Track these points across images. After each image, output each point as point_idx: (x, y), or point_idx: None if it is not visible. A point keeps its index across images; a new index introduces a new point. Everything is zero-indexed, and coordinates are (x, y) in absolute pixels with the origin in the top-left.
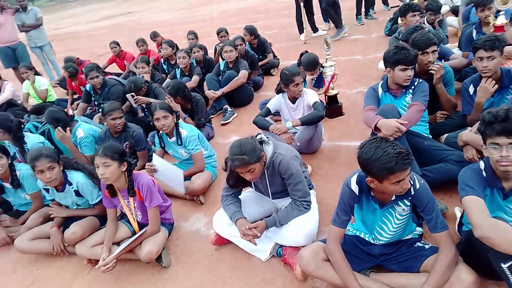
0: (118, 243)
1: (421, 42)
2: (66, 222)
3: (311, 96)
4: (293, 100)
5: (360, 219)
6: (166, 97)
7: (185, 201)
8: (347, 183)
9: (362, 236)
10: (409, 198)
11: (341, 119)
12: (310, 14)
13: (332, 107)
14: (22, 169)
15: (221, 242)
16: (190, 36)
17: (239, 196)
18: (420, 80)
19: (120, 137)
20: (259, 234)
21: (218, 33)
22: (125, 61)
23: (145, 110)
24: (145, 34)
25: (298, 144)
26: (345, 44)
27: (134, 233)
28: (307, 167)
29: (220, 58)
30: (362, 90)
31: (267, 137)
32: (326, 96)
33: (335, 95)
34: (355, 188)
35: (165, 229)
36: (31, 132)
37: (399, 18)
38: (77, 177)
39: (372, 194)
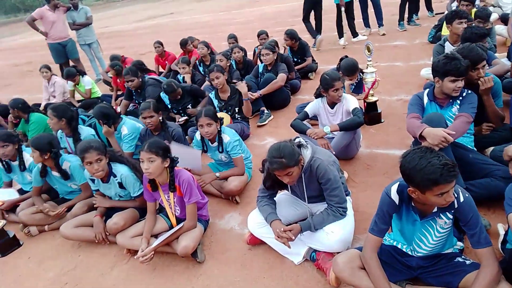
0: (156, 236)
1: (471, 58)
2: (108, 212)
3: (351, 102)
4: (332, 105)
5: (399, 229)
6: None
7: (220, 200)
8: (387, 192)
9: (399, 246)
10: (452, 211)
11: (380, 126)
12: (351, 18)
13: (371, 114)
14: (72, 160)
15: (255, 242)
16: (231, 40)
17: (274, 198)
18: (469, 91)
19: (160, 135)
20: (293, 237)
21: (258, 36)
22: (166, 61)
23: (181, 112)
24: (185, 35)
25: (334, 152)
26: (386, 50)
27: (171, 227)
28: (343, 173)
29: (259, 60)
30: (402, 97)
31: (306, 141)
32: (365, 103)
33: (375, 102)
34: (395, 197)
35: (201, 225)
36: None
37: (445, 25)
38: (121, 170)
39: (412, 204)
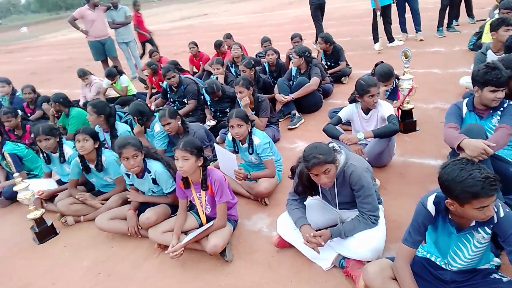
0: (186, 232)
1: None
2: (141, 207)
3: (386, 109)
4: (367, 111)
5: (433, 242)
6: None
7: (249, 200)
8: (423, 203)
9: (433, 259)
10: (491, 226)
11: (415, 134)
12: (387, 23)
13: (406, 122)
14: (108, 155)
15: (283, 245)
16: (266, 44)
17: (304, 202)
18: (511, 102)
19: (184, 137)
20: (323, 243)
21: (292, 38)
22: (200, 62)
23: (218, 114)
24: (219, 36)
25: (367, 158)
26: (423, 56)
27: (201, 224)
28: (376, 181)
29: (291, 63)
30: (439, 106)
31: (340, 146)
32: (400, 110)
33: (410, 110)
34: (431, 208)
35: (230, 225)
36: None
37: (486, 32)
38: (155, 166)
39: (449, 217)
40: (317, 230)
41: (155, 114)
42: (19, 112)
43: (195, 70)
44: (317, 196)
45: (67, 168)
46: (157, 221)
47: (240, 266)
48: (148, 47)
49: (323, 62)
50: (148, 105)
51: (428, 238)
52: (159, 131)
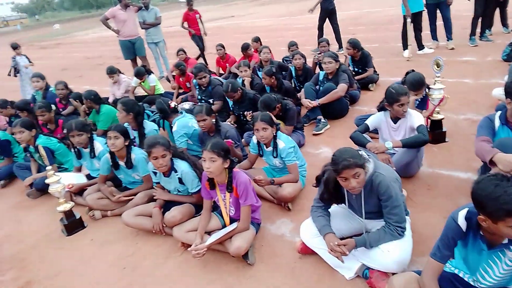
0: (209, 233)
1: None
2: (166, 205)
3: (416, 118)
4: (395, 119)
5: (462, 258)
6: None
7: (272, 204)
8: (454, 217)
9: (461, 275)
10: None
11: (444, 145)
12: (418, 30)
13: (436, 133)
14: (138, 153)
15: (306, 251)
16: (293, 48)
17: (329, 209)
18: None
19: (215, 136)
20: (347, 252)
21: (319, 43)
22: (227, 64)
23: (241, 116)
24: (245, 38)
25: (394, 168)
26: (454, 65)
27: (224, 226)
28: (402, 192)
29: (318, 67)
30: (470, 117)
31: (368, 155)
32: (429, 120)
33: (440, 120)
34: (462, 223)
35: (254, 228)
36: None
37: None
38: (182, 166)
39: (481, 233)
40: (341, 239)
41: (179, 112)
42: (52, 107)
43: (221, 71)
44: (343, 204)
45: (97, 163)
46: (182, 220)
47: (262, 270)
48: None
49: (350, 68)
50: (169, 103)
51: (457, 254)
52: (175, 130)
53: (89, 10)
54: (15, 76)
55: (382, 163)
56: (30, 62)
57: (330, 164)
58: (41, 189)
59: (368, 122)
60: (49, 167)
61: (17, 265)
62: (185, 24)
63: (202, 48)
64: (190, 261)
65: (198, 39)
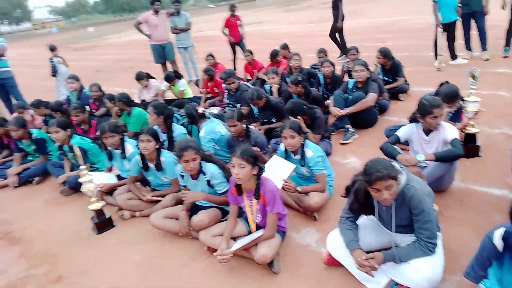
0: (234, 238)
1: None
2: (192, 209)
3: (450, 131)
4: (428, 132)
5: (497, 279)
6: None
7: (298, 213)
8: (490, 237)
9: None
10: None
11: (478, 160)
12: (451, 39)
13: (469, 146)
14: (167, 156)
15: (333, 262)
16: (321, 55)
17: (357, 221)
18: None
19: (244, 141)
20: (376, 266)
21: (348, 51)
22: (254, 70)
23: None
24: (273, 44)
25: (426, 182)
26: (488, 77)
27: (250, 232)
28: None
29: (346, 76)
30: (505, 131)
31: (401, 167)
32: (463, 133)
33: (474, 134)
34: (498, 243)
35: (279, 236)
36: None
37: None
38: (211, 168)
39: None
40: (368, 252)
41: (207, 117)
42: (86, 108)
43: (248, 77)
44: (372, 216)
45: (127, 164)
46: (209, 224)
47: (287, 279)
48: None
49: (380, 77)
50: (197, 108)
51: (491, 274)
52: (202, 135)
53: (121, 14)
54: (54, 76)
55: (415, 176)
56: (65, 63)
57: (362, 174)
58: (74, 187)
59: (399, 133)
60: (82, 167)
61: (49, 260)
62: (226, 30)
63: (234, 55)
64: (215, 265)
65: (236, 45)
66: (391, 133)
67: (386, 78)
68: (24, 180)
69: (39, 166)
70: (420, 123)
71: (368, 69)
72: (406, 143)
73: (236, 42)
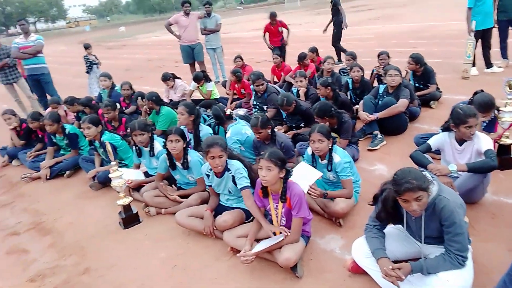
0: (258, 240)
1: None
2: (217, 209)
3: (484, 142)
4: (461, 142)
5: None
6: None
7: (322, 218)
8: None
9: None
10: None
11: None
12: (486, 47)
13: (503, 158)
14: (193, 155)
15: (357, 270)
16: (348, 57)
17: (384, 230)
18: None
19: (269, 145)
20: (403, 277)
21: (378, 56)
22: (282, 72)
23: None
24: (300, 47)
25: (458, 193)
26: None
27: (274, 235)
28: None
29: (376, 81)
30: None
31: (432, 177)
32: (497, 144)
33: (509, 145)
34: None
35: (303, 241)
36: None
37: None
38: (236, 164)
39: None
40: (395, 262)
41: (234, 118)
42: (117, 105)
43: (275, 80)
44: (400, 225)
45: (155, 162)
46: (233, 225)
47: (310, 284)
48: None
49: (411, 83)
50: (225, 110)
51: None
52: (228, 136)
53: (152, 14)
54: (88, 73)
55: (446, 187)
56: (98, 61)
57: (391, 183)
58: (103, 182)
59: (430, 142)
60: (113, 163)
61: (78, 252)
62: (266, 36)
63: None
64: (238, 266)
65: (278, 49)
66: (421, 141)
67: (417, 85)
68: (56, 173)
69: (71, 160)
70: (453, 132)
71: (401, 75)
72: (437, 152)
73: (277, 47)
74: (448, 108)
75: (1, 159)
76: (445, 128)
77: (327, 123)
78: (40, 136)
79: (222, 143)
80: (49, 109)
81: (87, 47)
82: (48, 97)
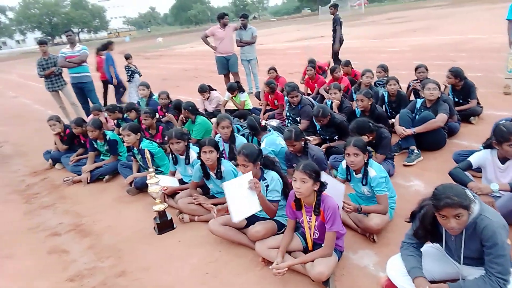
0: (289, 252)
1: None
2: (250, 219)
3: None
4: (503, 160)
5: None
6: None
7: (355, 233)
8: None
9: None
10: None
11: None
12: None
13: None
14: (227, 165)
15: None
16: (379, 69)
17: (421, 249)
18: None
19: (302, 157)
20: None
21: (416, 69)
22: (315, 84)
23: (327, 140)
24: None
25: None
26: None
27: (306, 247)
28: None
29: (412, 95)
30: None
31: (473, 195)
32: None
33: None
34: None
35: (336, 255)
36: None
37: None
38: (272, 174)
39: None
40: (432, 282)
41: (268, 129)
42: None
43: (309, 92)
44: (437, 244)
45: (190, 170)
46: (265, 236)
47: None
48: None
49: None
50: (260, 120)
51: None
52: (263, 147)
53: (188, 26)
54: (129, 81)
55: (489, 207)
56: (138, 71)
57: (431, 198)
58: (140, 188)
59: (471, 159)
60: (151, 169)
61: (115, 254)
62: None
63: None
64: (269, 277)
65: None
66: (461, 158)
67: (456, 99)
68: (96, 178)
69: (110, 165)
70: (495, 149)
71: (440, 89)
72: (478, 170)
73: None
74: (489, 124)
75: (45, 162)
76: (487, 145)
77: (366, 137)
78: (82, 141)
79: (248, 152)
80: (91, 116)
81: (127, 57)
82: (91, 104)
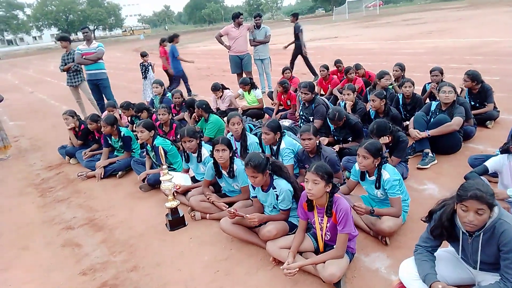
0: (300, 253)
1: None
2: None
3: None
4: None
5: None
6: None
7: (367, 236)
8: None
9: None
10: None
11: None
12: None
13: None
14: (239, 164)
15: None
16: (396, 68)
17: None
18: None
19: (315, 158)
20: None
21: (431, 72)
22: (329, 85)
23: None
24: (347, 60)
25: None
26: None
27: (317, 248)
28: None
29: (427, 98)
30: None
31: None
32: None
33: None
34: None
35: (348, 257)
36: None
37: None
38: (282, 184)
39: None
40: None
41: (284, 131)
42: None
43: (322, 92)
44: (452, 248)
45: (202, 168)
46: (276, 236)
47: None
48: None
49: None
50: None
51: None
52: (283, 147)
53: (202, 25)
54: (145, 78)
55: (507, 212)
56: (153, 68)
57: (458, 189)
58: (152, 184)
59: (487, 164)
60: (164, 166)
61: (127, 249)
62: None
63: None
64: (280, 277)
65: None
66: (476, 163)
67: (473, 103)
68: (109, 173)
69: (123, 161)
70: None
71: (456, 92)
72: (494, 175)
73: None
74: (506, 129)
75: (60, 157)
76: (504, 150)
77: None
78: (96, 137)
79: (256, 164)
80: (105, 112)
81: (144, 55)
82: (105, 100)
